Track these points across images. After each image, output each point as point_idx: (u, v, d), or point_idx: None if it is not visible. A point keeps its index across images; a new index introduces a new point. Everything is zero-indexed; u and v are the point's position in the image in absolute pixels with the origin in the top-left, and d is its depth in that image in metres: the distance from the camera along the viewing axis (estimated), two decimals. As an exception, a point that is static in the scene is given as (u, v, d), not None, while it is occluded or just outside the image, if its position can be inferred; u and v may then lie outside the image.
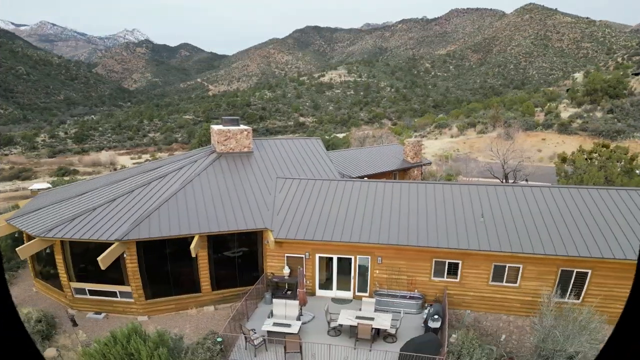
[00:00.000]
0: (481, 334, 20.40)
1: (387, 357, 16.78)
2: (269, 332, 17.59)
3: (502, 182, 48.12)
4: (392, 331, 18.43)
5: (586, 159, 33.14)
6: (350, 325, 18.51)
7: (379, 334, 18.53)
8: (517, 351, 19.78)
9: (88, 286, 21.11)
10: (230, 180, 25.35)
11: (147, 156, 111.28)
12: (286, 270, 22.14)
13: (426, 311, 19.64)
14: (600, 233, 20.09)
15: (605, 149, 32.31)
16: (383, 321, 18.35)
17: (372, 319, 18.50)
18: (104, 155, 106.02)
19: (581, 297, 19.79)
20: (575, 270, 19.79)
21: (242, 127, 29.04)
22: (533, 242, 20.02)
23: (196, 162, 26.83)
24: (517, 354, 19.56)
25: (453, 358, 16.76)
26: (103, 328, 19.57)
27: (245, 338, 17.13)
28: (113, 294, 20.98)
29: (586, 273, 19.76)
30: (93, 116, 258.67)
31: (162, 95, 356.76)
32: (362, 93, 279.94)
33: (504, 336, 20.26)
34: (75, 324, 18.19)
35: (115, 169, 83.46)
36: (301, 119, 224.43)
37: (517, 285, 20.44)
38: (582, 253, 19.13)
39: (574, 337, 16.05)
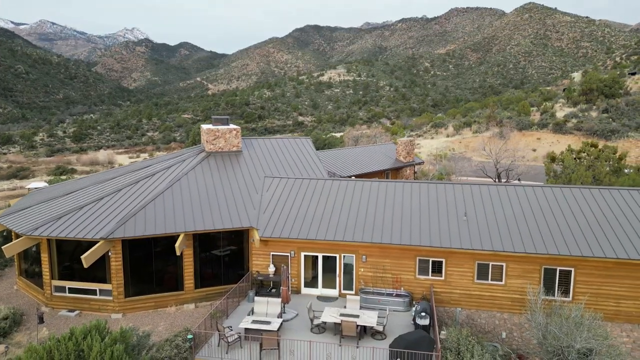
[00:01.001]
0: (478, 331, 20.62)
1: (375, 353, 16.96)
2: (246, 329, 17.76)
3: (494, 181, 48.32)
4: (380, 328, 18.62)
5: (575, 159, 33.32)
6: (335, 323, 18.70)
7: (365, 331, 18.74)
8: (525, 348, 20.01)
9: (69, 284, 21.29)
10: (217, 179, 25.54)
11: (145, 155, 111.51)
12: (271, 269, 22.34)
13: (414, 309, 19.81)
14: (581, 232, 20.28)
15: (593, 148, 32.51)
16: (369, 318, 18.53)
17: (357, 316, 18.68)
18: (102, 155, 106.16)
19: (570, 295, 19.96)
20: (558, 268, 20.00)
21: (231, 126, 29.22)
22: (514, 241, 20.21)
23: (185, 161, 27.02)
24: (525, 351, 19.77)
25: (452, 355, 16.92)
26: (70, 325, 19.68)
27: (220, 335, 17.30)
28: (93, 292, 21.17)
29: (569, 271, 19.96)
30: (92, 115, 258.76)
31: (161, 94, 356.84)
32: (361, 92, 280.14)
33: (504, 334, 20.48)
34: (41, 321, 18.43)
35: (112, 168, 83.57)
36: (300, 118, 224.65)
37: (503, 283, 20.62)
38: (562, 251, 19.33)
39: (573, 334, 16.14)
